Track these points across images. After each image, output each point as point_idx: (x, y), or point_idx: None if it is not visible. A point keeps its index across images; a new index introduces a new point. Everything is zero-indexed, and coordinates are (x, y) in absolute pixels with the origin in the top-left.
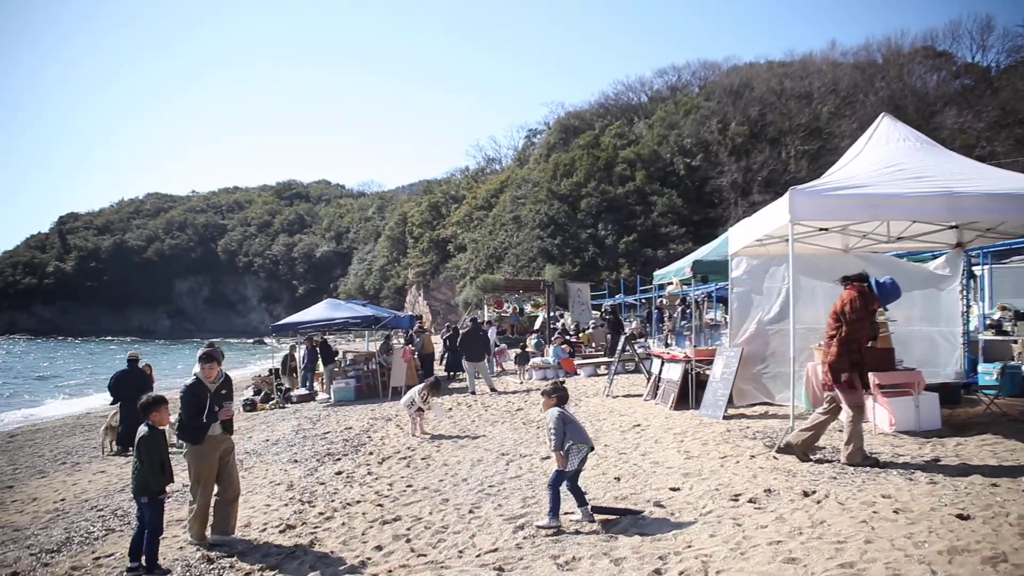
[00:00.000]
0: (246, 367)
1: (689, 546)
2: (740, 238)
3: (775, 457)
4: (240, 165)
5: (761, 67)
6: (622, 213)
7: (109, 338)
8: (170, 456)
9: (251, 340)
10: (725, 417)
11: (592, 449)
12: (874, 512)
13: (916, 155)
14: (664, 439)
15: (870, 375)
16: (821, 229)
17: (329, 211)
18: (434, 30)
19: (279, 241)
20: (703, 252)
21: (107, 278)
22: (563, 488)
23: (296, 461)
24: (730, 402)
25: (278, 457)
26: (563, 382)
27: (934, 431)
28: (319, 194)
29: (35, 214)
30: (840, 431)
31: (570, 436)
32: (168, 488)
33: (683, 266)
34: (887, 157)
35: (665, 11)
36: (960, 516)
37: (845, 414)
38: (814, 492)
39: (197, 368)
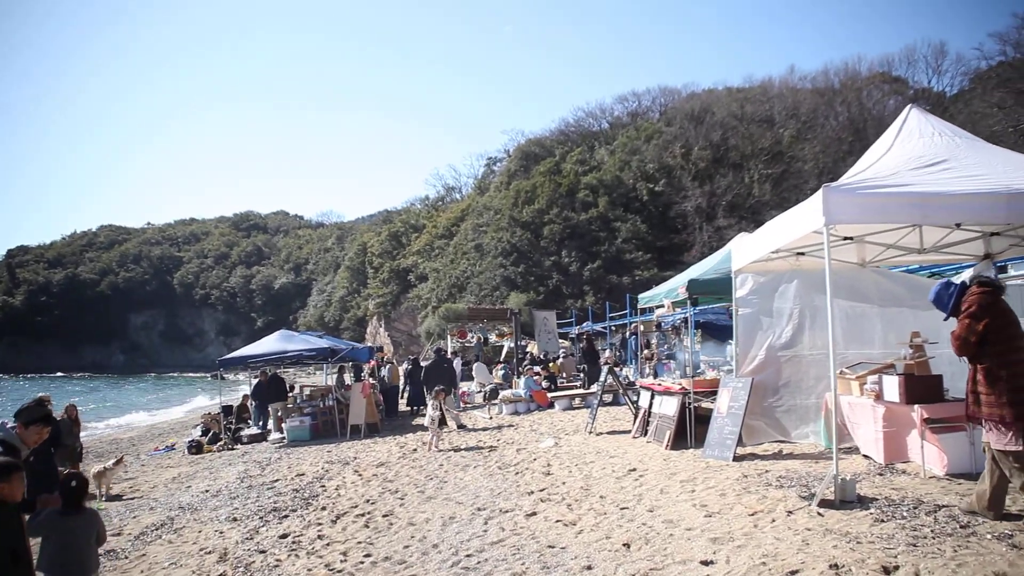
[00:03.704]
0: (190, 401)
1: None
2: (748, 252)
3: (819, 513)
4: (197, 196)
5: (721, 93)
6: (586, 240)
7: (60, 375)
8: (27, 540)
9: (209, 375)
10: (735, 458)
11: None
12: None
13: (958, 150)
14: (670, 488)
15: (917, 407)
16: (846, 238)
17: (288, 242)
18: (390, 58)
19: (237, 273)
20: (699, 270)
21: (58, 313)
22: None
23: (236, 519)
24: (739, 441)
25: (216, 513)
26: None
27: None
28: (277, 225)
29: None
30: (905, 472)
31: None
32: None
33: (676, 286)
34: (924, 152)
35: (623, 38)
36: None
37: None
38: (896, 567)
39: (11, 424)
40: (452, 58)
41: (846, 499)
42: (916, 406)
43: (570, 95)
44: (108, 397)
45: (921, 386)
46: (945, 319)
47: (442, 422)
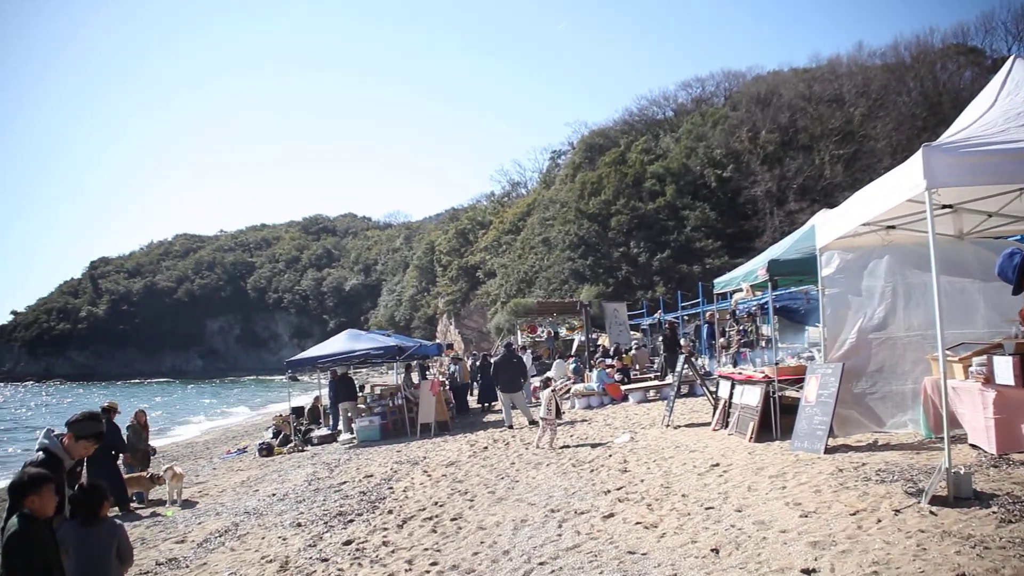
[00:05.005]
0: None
1: None
2: (833, 227)
3: (932, 512)
4: (267, 202)
5: (787, 74)
6: (654, 230)
7: (142, 380)
8: (60, 555)
9: (284, 376)
10: (827, 451)
11: None
12: None
13: None
14: (758, 484)
15: None
16: (944, 206)
17: (356, 244)
18: (453, 58)
19: (308, 276)
20: (778, 250)
21: (139, 321)
22: None
23: (300, 524)
24: (830, 432)
25: (281, 518)
26: None
27: None
28: (346, 227)
29: (67, 260)
30: None
31: None
32: None
33: (755, 268)
34: None
35: (683, 24)
36: None
37: None
38: None
39: (56, 433)
40: (513, 53)
41: (961, 495)
42: None
43: (632, 84)
44: (209, 400)
45: None
46: (1014, 293)
47: (557, 414)
